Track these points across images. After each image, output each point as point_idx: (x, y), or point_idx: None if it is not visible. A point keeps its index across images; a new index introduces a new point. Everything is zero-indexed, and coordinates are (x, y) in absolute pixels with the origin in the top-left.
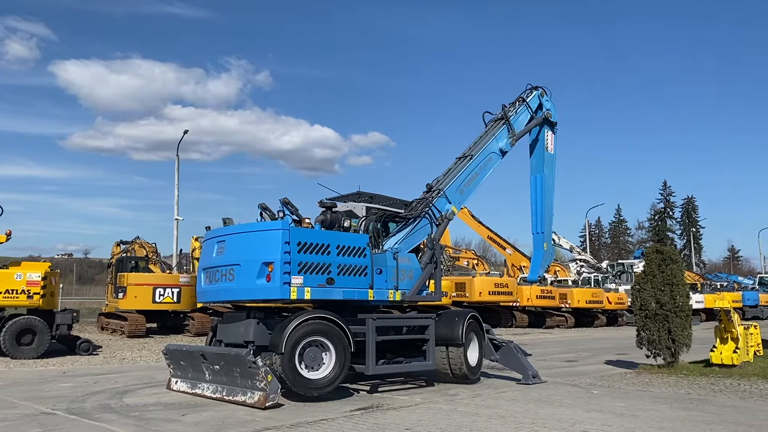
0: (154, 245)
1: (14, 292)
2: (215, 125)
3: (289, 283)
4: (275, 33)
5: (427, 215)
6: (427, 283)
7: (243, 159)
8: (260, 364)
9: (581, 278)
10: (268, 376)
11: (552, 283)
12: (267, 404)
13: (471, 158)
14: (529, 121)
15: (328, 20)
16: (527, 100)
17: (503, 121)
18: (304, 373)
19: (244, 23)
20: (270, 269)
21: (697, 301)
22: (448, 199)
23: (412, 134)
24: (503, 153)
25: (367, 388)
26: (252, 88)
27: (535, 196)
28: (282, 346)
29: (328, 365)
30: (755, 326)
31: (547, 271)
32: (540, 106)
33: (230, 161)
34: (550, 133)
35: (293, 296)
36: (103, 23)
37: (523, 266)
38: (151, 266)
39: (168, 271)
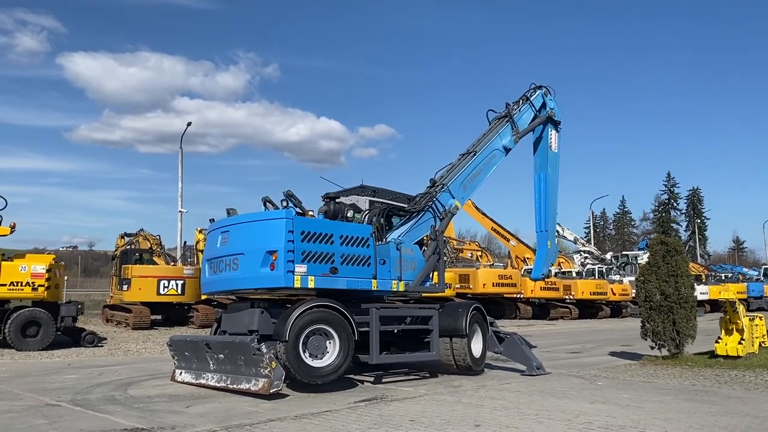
0: (158, 237)
1: (19, 284)
2: (222, 117)
3: (293, 272)
4: (283, 25)
5: (430, 209)
6: (430, 275)
7: (249, 151)
8: (264, 350)
9: (585, 269)
10: (273, 362)
11: (556, 274)
12: (271, 391)
13: (475, 154)
14: (533, 120)
15: (336, 13)
16: (531, 99)
17: (507, 119)
18: (308, 361)
19: (253, 15)
20: (274, 258)
21: (701, 292)
22: (451, 194)
23: (418, 127)
24: (507, 150)
25: (371, 379)
26: (260, 80)
27: (539, 195)
28: (286, 333)
29: (332, 353)
30: (760, 317)
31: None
32: (544, 105)
33: (236, 153)
34: (553, 131)
35: (297, 285)
36: (113, 16)
37: (527, 258)
38: (155, 258)
39: (172, 264)
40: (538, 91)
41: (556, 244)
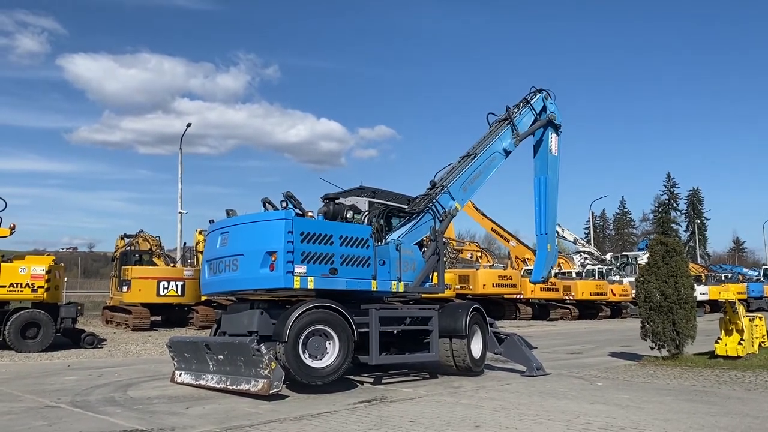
0: (157, 238)
1: (19, 285)
2: (223, 119)
3: (293, 273)
4: (284, 26)
5: (430, 211)
6: (430, 276)
7: (249, 152)
8: (264, 351)
9: (585, 270)
10: (272, 363)
11: (556, 275)
12: (270, 391)
13: (475, 157)
14: (533, 123)
15: (336, 13)
16: (531, 102)
17: (507, 122)
18: (308, 361)
19: (253, 17)
20: (273, 258)
21: (701, 292)
22: (451, 196)
23: (418, 128)
24: (507, 153)
25: (371, 380)
26: (260, 81)
27: (539, 198)
28: (285, 334)
29: (331, 354)
30: (760, 318)
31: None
32: (544, 109)
33: (236, 154)
34: (554, 135)
35: (296, 285)
36: (113, 17)
37: (527, 258)
38: (155, 259)
39: (172, 265)
40: (539, 95)
41: (556, 247)
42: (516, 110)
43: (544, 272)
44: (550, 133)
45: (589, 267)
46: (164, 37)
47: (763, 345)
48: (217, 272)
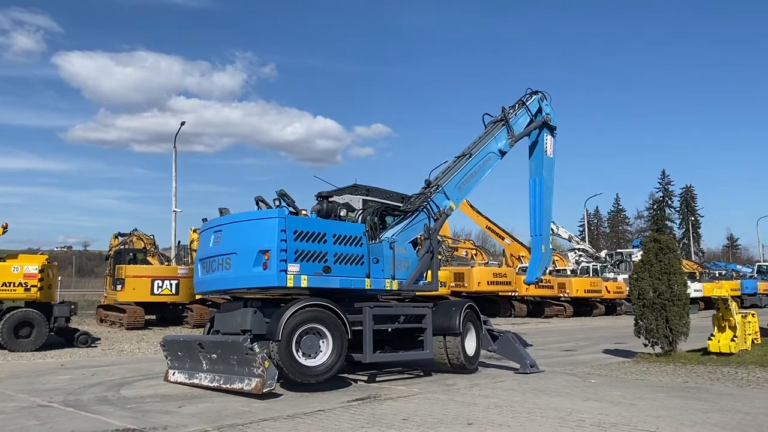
0: (152, 237)
1: (11, 284)
2: (219, 117)
3: (286, 271)
4: (280, 24)
5: (425, 210)
6: (424, 274)
7: (245, 150)
8: (257, 350)
9: (580, 267)
10: (266, 362)
11: (551, 272)
12: (264, 390)
13: (470, 157)
14: (529, 124)
15: (334, 11)
16: (527, 104)
17: (503, 123)
18: (301, 360)
19: (250, 15)
20: (266, 257)
21: (695, 289)
22: (446, 195)
23: (414, 126)
24: (502, 153)
25: (365, 378)
26: (257, 79)
27: (534, 199)
28: (279, 333)
29: (325, 352)
30: (753, 314)
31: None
32: (540, 110)
33: (233, 153)
34: (549, 136)
35: (290, 284)
36: (109, 15)
37: (522, 256)
38: (149, 258)
39: (166, 263)
40: (535, 96)
41: (551, 248)
42: (512, 111)
43: (538, 273)
44: (545, 134)
45: (583, 264)
46: (161, 36)
47: (755, 342)
48: (211, 271)
